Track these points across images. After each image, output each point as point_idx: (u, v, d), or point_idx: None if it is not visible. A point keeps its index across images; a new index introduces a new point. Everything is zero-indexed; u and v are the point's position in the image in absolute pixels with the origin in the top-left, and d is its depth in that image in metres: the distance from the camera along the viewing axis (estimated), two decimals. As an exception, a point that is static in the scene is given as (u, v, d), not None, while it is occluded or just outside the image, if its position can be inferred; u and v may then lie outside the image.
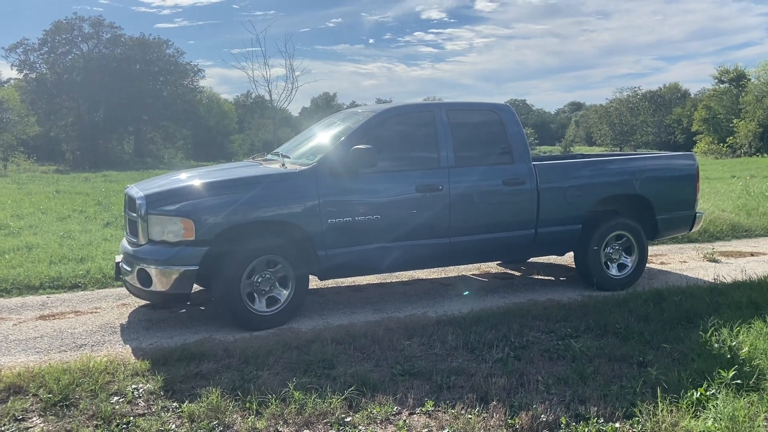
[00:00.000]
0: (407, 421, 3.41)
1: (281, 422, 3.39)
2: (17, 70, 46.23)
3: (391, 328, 4.96)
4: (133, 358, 4.39)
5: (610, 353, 4.33)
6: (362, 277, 6.83)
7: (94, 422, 3.40)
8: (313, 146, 5.95)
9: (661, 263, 7.74)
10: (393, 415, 3.49)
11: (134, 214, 5.15)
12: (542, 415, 3.38)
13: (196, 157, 51.54)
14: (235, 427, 3.34)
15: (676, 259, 7.97)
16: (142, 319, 5.45)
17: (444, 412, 3.49)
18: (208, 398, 3.57)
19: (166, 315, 5.56)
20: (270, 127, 49.97)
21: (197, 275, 4.93)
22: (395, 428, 3.34)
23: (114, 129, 48.24)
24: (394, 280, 6.89)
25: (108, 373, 4.00)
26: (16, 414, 3.50)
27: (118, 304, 5.90)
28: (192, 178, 5.42)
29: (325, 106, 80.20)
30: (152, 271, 4.88)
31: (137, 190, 5.27)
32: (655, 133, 65.15)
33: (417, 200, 5.54)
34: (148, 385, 3.85)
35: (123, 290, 6.22)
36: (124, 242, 5.46)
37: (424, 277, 7.02)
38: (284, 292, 5.20)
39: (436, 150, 5.73)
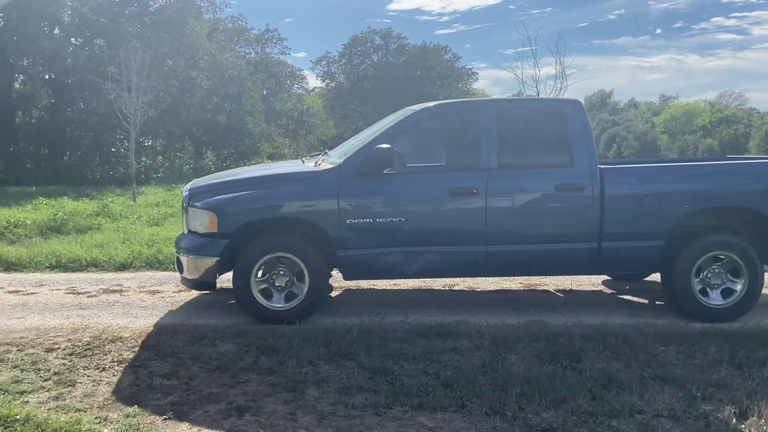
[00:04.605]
0: (652, 422, 3.37)
1: (525, 400, 3.65)
2: (321, 80, 54.24)
3: (647, 333, 4.83)
4: (399, 328, 5.06)
5: None
6: (624, 281, 6.64)
7: (366, 374, 4.09)
8: (352, 145, 5.83)
9: None
10: (637, 412, 3.49)
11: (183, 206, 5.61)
12: (815, 443, 3.05)
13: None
14: (483, 398, 3.70)
15: None
16: (408, 298, 6.18)
17: (695, 420, 3.36)
18: (462, 369, 4.01)
19: (426, 296, 6.21)
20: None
21: (220, 265, 5.16)
22: (637, 424, 3.34)
23: (394, 131, 53.15)
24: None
25: (379, 337, 4.72)
26: (312, 360, 4.38)
27: (400, 285, 6.74)
28: (231, 175, 5.86)
29: (600, 104, 76.45)
30: (183, 259, 5.31)
31: (188, 186, 5.69)
32: None
33: (447, 203, 5.23)
34: (412, 350, 4.46)
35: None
36: None
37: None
38: (302, 287, 5.18)
39: (476, 150, 5.30)
